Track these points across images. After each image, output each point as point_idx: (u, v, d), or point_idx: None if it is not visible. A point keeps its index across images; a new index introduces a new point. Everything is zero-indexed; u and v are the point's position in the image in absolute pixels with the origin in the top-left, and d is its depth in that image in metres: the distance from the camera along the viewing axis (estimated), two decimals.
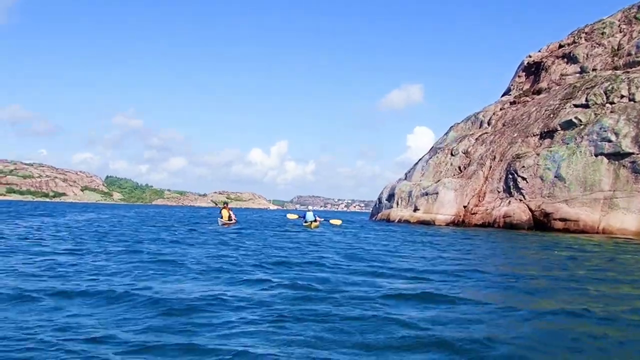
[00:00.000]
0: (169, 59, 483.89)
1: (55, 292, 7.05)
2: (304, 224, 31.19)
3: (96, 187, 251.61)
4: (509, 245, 19.71)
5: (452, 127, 48.92)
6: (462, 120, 47.84)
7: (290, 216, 39.79)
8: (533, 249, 17.28)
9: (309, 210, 32.94)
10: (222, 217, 29.49)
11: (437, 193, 40.81)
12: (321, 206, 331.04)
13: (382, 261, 12.19)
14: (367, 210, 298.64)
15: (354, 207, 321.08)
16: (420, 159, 48.52)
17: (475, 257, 13.94)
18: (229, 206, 31.24)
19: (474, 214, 38.49)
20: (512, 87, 47.26)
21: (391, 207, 45.64)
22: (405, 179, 47.77)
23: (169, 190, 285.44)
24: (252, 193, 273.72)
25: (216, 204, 45.50)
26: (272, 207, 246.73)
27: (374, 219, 50.59)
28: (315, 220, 30.88)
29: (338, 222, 33.61)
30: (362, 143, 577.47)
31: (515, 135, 39.61)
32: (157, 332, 5.29)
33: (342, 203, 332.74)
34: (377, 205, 51.13)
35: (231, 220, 29.77)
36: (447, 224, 39.01)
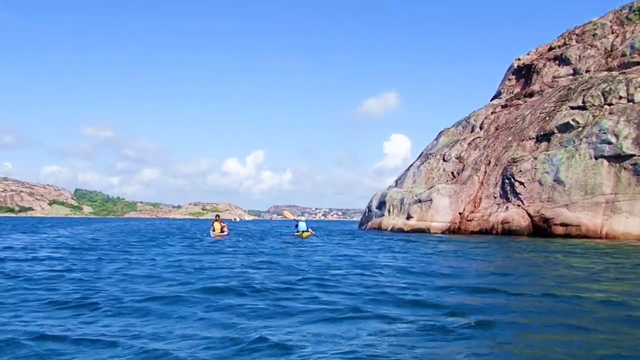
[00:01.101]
0: (141, 67, 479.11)
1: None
2: (296, 233, 31.98)
3: (65, 201, 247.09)
4: (546, 256, 19.00)
5: (441, 132, 48.59)
6: (453, 125, 47.58)
7: (287, 214, 40.35)
8: (588, 259, 16.53)
9: (302, 220, 33.72)
10: (214, 230, 29.95)
11: (430, 200, 40.26)
12: (298, 215, 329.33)
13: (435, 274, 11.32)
14: (345, 219, 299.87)
15: (332, 215, 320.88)
16: (410, 165, 48.02)
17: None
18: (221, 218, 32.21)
19: (470, 220, 38.02)
20: (502, 90, 47.16)
21: (382, 215, 44.95)
22: (396, 186, 47.21)
23: (141, 202, 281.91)
24: (228, 203, 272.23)
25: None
26: (248, 217, 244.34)
27: (363, 227, 49.84)
28: (307, 231, 31.54)
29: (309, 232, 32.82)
30: (340, 151, 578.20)
31: (510, 139, 39.34)
32: None
33: (319, 212, 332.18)
34: (366, 214, 50.41)
35: (223, 232, 30.23)
36: (443, 232, 38.48)
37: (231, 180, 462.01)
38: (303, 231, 31.29)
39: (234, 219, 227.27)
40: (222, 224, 30.55)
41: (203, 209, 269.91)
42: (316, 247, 22.11)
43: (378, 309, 7.16)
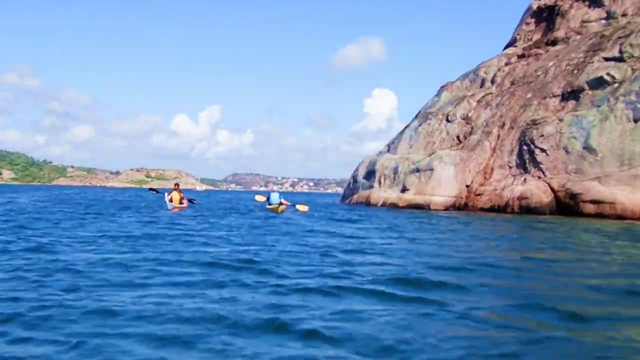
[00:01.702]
0: (72, 3, 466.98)
1: None
2: (268, 206, 31.72)
3: None
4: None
5: (443, 86, 47.92)
6: (457, 79, 47.02)
7: (259, 198, 39.66)
8: None
9: (274, 191, 33.23)
10: (172, 200, 30.58)
11: (431, 169, 39.49)
12: (261, 186, 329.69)
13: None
14: (317, 190, 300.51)
15: (302, 186, 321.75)
16: (406, 127, 47.16)
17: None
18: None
19: (479, 195, 37.43)
20: (518, 37, 46.39)
21: (371, 187, 44.13)
22: (388, 151, 46.48)
23: (72, 167, 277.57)
24: (177, 170, 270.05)
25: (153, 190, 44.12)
26: (200, 186, 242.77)
27: (347, 201, 49.04)
28: (281, 204, 31.44)
29: (304, 208, 33.47)
30: (312, 108, 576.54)
31: (530, 95, 38.76)
32: None
33: (286, 181, 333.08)
34: (351, 185, 49.62)
35: (182, 203, 31.10)
36: (447, 208, 37.89)
37: (180, 141, 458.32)
38: (277, 204, 31.27)
39: (195, 187, 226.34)
40: (181, 194, 31.35)
41: (147, 176, 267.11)
42: (302, 225, 20.75)
43: None
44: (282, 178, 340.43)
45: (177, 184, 33.41)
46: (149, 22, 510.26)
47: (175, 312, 6.36)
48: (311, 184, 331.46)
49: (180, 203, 31.05)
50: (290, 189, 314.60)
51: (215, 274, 8.93)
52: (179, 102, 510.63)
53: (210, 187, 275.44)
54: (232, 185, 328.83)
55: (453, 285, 8.47)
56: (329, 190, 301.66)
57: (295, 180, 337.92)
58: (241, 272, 9.25)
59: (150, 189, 39.51)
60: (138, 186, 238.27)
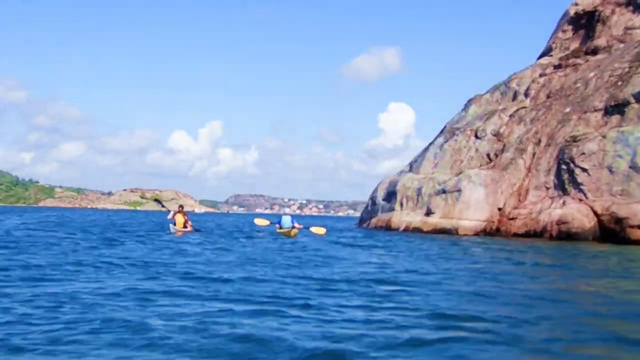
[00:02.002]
0: (63, 11, 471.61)
1: None
2: (279, 230, 32.04)
3: None
4: None
5: (471, 100, 47.82)
6: (487, 91, 46.91)
7: (259, 222, 38.17)
8: None
9: (285, 214, 34.25)
10: (175, 223, 31.13)
11: (459, 190, 39.15)
12: (266, 208, 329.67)
13: None
14: (327, 213, 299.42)
15: (310, 208, 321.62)
16: (430, 144, 46.70)
17: None
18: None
19: (512, 219, 37.07)
20: (553, 46, 46.16)
21: (392, 209, 43.79)
22: (411, 170, 46.27)
23: (60, 187, 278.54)
24: (174, 191, 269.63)
25: (157, 202, 43.63)
26: (200, 209, 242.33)
27: (365, 225, 48.62)
28: (293, 227, 31.69)
29: (321, 230, 33.67)
30: (321, 124, 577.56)
31: (568, 110, 38.50)
32: None
33: (294, 204, 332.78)
34: (369, 208, 49.22)
35: (187, 227, 31.38)
36: (476, 233, 37.49)
37: (178, 160, 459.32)
38: (289, 228, 31.56)
39: (193, 210, 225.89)
40: (186, 217, 31.78)
41: (142, 197, 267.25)
42: (319, 251, 20.28)
43: None
44: (289, 200, 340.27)
45: (181, 206, 33.73)
46: (145, 31, 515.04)
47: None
48: (321, 206, 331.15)
49: (184, 227, 31.24)
50: (298, 211, 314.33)
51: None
52: (177, 117, 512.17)
53: (211, 209, 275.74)
54: (235, 208, 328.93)
55: (519, 319, 8.09)
56: (340, 214, 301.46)
57: (304, 202, 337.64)
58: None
59: (157, 201, 39.31)
60: (132, 208, 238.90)
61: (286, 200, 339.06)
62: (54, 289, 10.06)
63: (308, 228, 33.64)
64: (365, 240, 30.65)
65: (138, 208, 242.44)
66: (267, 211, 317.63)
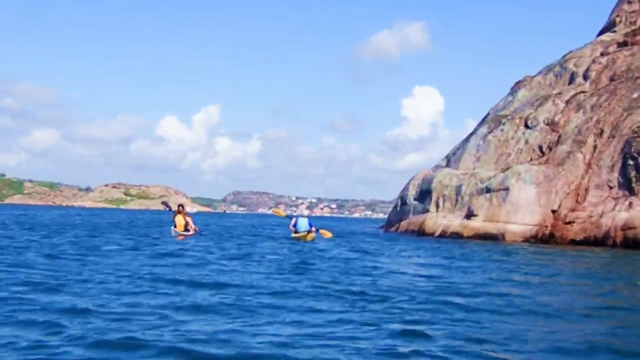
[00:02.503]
0: None
1: None
2: (294, 235, 32.98)
3: None
4: None
5: (519, 82, 48.13)
6: (539, 73, 47.07)
7: (277, 211, 41.91)
8: None
9: (302, 216, 34.78)
10: (175, 226, 31.40)
11: (507, 189, 39.04)
12: (269, 208, 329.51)
13: None
14: (341, 214, 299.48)
15: (322, 208, 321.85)
16: (471, 134, 46.52)
17: None
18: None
19: (569, 222, 37.04)
20: (617, 20, 46.23)
21: (426, 211, 43.61)
22: (448, 165, 46.17)
23: (30, 181, 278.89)
24: (164, 187, 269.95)
25: (167, 208, 43.79)
26: (191, 208, 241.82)
27: (393, 229, 48.37)
28: (311, 230, 32.74)
29: (329, 234, 35.62)
30: (334, 110, 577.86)
31: (636, 95, 38.65)
32: None
33: (302, 203, 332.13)
34: (398, 208, 49.02)
35: (189, 231, 31.84)
36: (526, 239, 37.40)
37: (169, 150, 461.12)
38: (306, 231, 32.52)
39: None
40: (187, 219, 31.98)
41: (126, 194, 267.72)
42: (351, 261, 20.01)
43: None
44: (297, 198, 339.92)
45: (181, 206, 33.74)
46: (132, 1, 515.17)
47: None
48: (333, 206, 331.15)
49: (186, 230, 31.63)
50: (307, 212, 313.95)
51: None
52: (168, 101, 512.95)
53: (205, 209, 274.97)
54: (234, 207, 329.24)
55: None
56: (356, 215, 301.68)
57: (314, 201, 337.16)
58: None
59: (164, 204, 38.12)
60: (114, 206, 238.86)
61: (293, 198, 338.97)
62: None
63: (318, 230, 34.29)
64: (403, 246, 30.44)
65: (122, 207, 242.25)
66: (271, 211, 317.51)
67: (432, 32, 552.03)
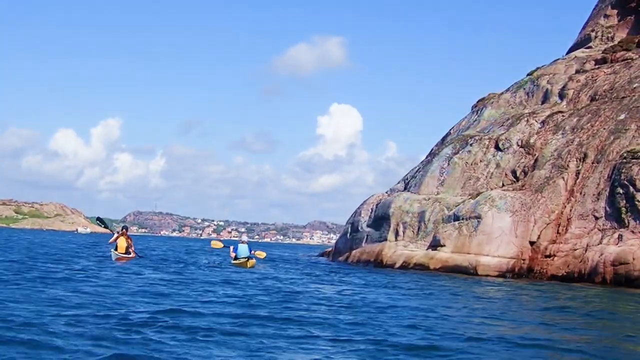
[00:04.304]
0: None
1: None
2: (234, 261, 34.39)
3: None
4: None
5: (482, 100, 48.24)
6: (507, 90, 46.35)
7: (215, 244, 42.26)
8: None
9: (242, 242, 35.67)
10: (116, 249, 32.77)
11: (478, 217, 37.81)
12: (174, 230, 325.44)
13: None
14: (249, 239, 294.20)
15: (229, 232, 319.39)
16: (428, 156, 44.78)
17: None
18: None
19: (550, 256, 35.97)
20: (592, 36, 45.53)
21: (383, 239, 41.78)
22: (406, 189, 44.39)
23: None
24: (60, 205, 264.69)
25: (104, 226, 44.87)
26: (84, 228, 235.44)
27: (342, 259, 46.00)
28: (251, 257, 34.24)
29: (262, 254, 37.59)
30: (244, 128, 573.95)
31: (623, 117, 37.81)
32: None
33: (209, 225, 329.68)
34: (348, 236, 46.85)
35: (129, 253, 33.34)
36: (502, 274, 35.96)
37: (64, 166, 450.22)
38: (246, 258, 33.80)
39: (76, 230, 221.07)
40: (129, 242, 33.54)
41: (17, 212, 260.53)
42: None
43: None
44: (203, 220, 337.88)
45: (125, 227, 35.21)
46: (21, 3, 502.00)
47: None
48: (243, 229, 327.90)
49: (127, 252, 33.04)
50: (214, 235, 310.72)
51: None
52: (63, 113, 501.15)
53: (102, 229, 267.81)
54: (135, 228, 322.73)
55: None
56: (267, 239, 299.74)
57: (221, 224, 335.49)
58: None
59: (100, 220, 40.33)
60: (4, 225, 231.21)
61: (199, 220, 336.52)
62: None
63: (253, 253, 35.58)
64: (372, 281, 27.90)
65: (12, 225, 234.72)
66: (176, 234, 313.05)
67: (351, 48, 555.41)
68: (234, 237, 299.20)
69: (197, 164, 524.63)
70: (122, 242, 32.84)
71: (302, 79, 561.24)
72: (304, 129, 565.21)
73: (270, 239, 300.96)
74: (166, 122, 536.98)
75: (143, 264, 31.66)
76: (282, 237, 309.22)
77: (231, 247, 35.65)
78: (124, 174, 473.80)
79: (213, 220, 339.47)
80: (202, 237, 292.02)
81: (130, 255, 33.09)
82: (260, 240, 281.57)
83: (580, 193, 36.50)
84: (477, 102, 46.98)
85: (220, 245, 41.54)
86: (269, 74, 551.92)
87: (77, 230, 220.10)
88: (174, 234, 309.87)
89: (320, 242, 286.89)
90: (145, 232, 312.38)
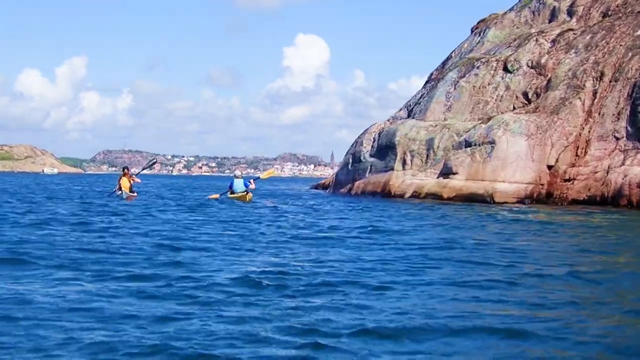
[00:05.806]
0: None
1: None
2: (230, 195, 34.75)
3: None
4: None
5: (484, 21, 46.51)
6: (511, 9, 44.68)
7: (213, 197, 39.82)
8: None
9: (237, 177, 35.97)
10: (120, 188, 33.91)
11: (491, 142, 36.58)
12: (144, 168, 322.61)
13: None
14: (220, 173, 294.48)
15: (200, 167, 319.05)
16: (428, 80, 43.43)
17: None
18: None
19: (569, 180, 34.94)
20: None
21: (389, 169, 40.36)
22: (410, 116, 43.09)
23: None
24: (29, 146, 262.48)
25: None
26: (51, 169, 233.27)
27: (344, 190, 44.57)
28: (247, 191, 34.16)
29: (270, 173, 42.39)
30: (210, 63, 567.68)
31: None
32: None
33: (179, 162, 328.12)
34: (349, 167, 45.32)
35: (134, 192, 34.05)
36: (520, 200, 35.03)
37: (30, 107, 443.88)
38: (243, 192, 33.98)
39: (42, 171, 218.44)
40: (132, 180, 34.11)
41: None
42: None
43: None
44: (173, 156, 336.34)
45: (126, 168, 36.39)
46: None
47: None
48: (213, 164, 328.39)
49: (132, 191, 33.81)
50: (185, 171, 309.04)
51: None
52: (27, 52, 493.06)
53: (73, 169, 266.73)
54: (104, 167, 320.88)
55: None
56: (237, 172, 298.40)
57: (191, 159, 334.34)
58: None
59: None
60: None
61: (169, 157, 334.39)
62: None
63: (258, 178, 37.88)
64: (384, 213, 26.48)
65: None
66: (146, 172, 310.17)
67: None
68: (204, 172, 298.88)
69: (164, 101, 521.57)
70: (125, 182, 33.88)
71: (266, 12, 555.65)
72: (270, 61, 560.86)
73: (242, 172, 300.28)
74: (132, 60, 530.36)
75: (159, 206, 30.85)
76: (252, 171, 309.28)
77: (229, 190, 35.20)
78: (91, 113, 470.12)
79: (183, 156, 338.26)
80: (173, 174, 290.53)
81: (134, 195, 34.09)
82: (230, 175, 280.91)
83: (599, 113, 35.50)
84: (478, 23, 45.59)
85: (217, 196, 39.77)
86: (232, 9, 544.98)
87: (42, 171, 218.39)
88: (145, 172, 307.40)
89: (291, 174, 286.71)
90: (115, 170, 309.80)
